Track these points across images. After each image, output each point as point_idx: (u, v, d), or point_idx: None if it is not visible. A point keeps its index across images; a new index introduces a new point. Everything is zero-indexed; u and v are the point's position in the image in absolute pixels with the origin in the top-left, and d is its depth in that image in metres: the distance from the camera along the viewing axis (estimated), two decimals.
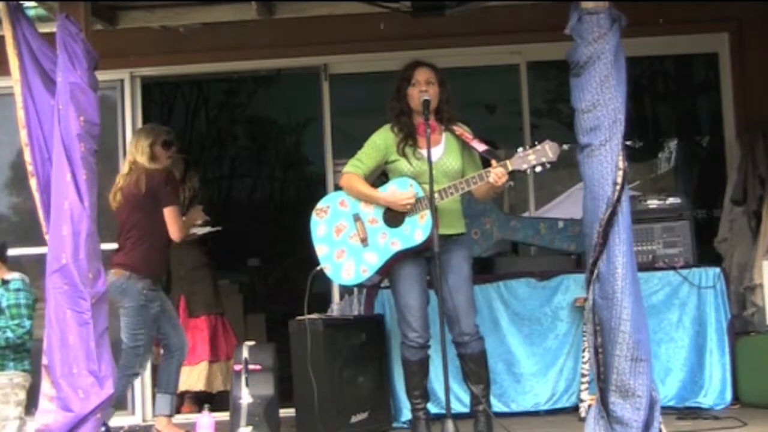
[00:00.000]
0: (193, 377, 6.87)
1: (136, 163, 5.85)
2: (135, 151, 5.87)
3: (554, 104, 8.58)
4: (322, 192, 7.24)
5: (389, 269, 5.16)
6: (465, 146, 5.16)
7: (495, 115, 8.50)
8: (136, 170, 5.82)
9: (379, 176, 5.32)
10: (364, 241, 5.13)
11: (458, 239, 5.18)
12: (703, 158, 8.55)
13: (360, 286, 5.76)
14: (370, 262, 5.11)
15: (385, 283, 5.82)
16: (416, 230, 5.02)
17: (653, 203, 6.28)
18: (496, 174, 4.88)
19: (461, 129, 5.17)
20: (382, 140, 5.20)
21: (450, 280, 5.03)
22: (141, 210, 5.76)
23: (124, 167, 6.01)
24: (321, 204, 5.28)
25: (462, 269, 5.11)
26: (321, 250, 5.21)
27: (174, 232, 5.77)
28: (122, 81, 6.94)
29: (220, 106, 11.25)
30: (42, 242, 4.93)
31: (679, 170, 9.01)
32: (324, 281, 5.63)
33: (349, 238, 5.17)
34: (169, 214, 5.75)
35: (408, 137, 5.13)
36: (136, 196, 5.75)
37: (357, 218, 5.17)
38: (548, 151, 4.86)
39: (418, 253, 5.07)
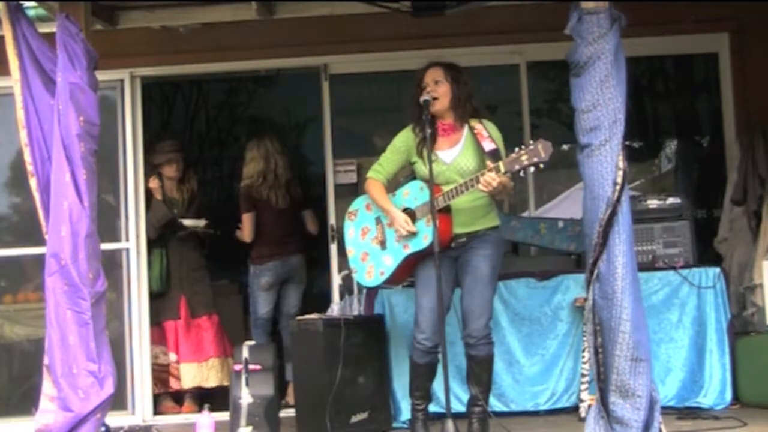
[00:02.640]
0: (203, 374, 6.92)
1: (288, 172, 7.10)
2: (287, 163, 7.09)
3: (554, 104, 8.55)
4: (322, 192, 7.25)
5: (412, 270, 5.16)
6: None
7: (495, 115, 8.47)
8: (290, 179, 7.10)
9: (411, 175, 5.32)
10: (382, 244, 5.18)
11: (484, 236, 5.08)
12: (703, 158, 8.52)
13: (379, 287, 5.75)
14: (387, 264, 5.17)
15: None
16: (424, 234, 5.02)
17: (653, 203, 6.28)
18: (485, 179, 4.81)
19: (480, 127, 5.10)
20: (402, 142, 5.22)
21: (466, 281, 5.02)
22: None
23: (285, 171, 7.06)
24: (352, 207, 5.42)
25: (479, 270, 5.04)
26: (350, 252, 5.35)
27: (315, 229, 7.21)
28: (122, 81, 6.92)
29: (220, 106, 11.22)
30: (42, 242, 4.93)
31: (679, 170, 8.98)
32: (325, 281, 5.64)
33: (371, 241, 5.24)
34: (311, 215, 7.19)
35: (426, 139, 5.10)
36: (295, 199, 7.10)
37: (378, 221, 5.24)
38: (540, 150, 4.74)
39: (442, 254, 4.95)
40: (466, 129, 5.13)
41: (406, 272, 5.22)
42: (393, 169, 5.24)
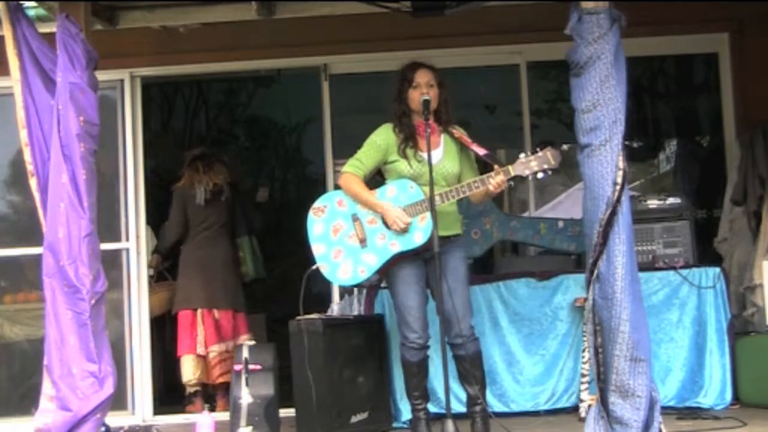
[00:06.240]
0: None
1: None
2: None
3: (554, 104, 8.58)
4: (322, 192, 7.22)
5: (387, 270, 5.16)
6: (462, 149, 5.18)
7: (495, 115, 8.50)
8: None
9: (375, 176, 5.30)
10: (362, 242, 5.11)
11: (455, 240, 5.19)
12: (703, 158, 8.54)
13: (358, 286, 5.76)
14: (369, 263, 5.10)
15: (385, 283, 5.82)
16: (416, 232, 5.01)
17: (653, 203, 6.28)
18: (497, 182, 4.91)
19: (459, 131, 5.18)
20: (383, 140, 5.19)
21: (448, 281, 5.03)
22: None
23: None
24: (318, 203, 5.25)
25: (459, 271, 5.11)
26: (318, 249, 5.17)
27: None
28: (122, 81, 6.93)
29: (220, 106, 11.24)
30: (42, 242, 4.92)
31: (679, 170, 9.00)
32: (324, 281, 5.62)
33: (347, 239, 5.15)
34: None
35: (409, 139, 5.13)
36: None
37: (355, 218, 5.15)
38: (550, 158, 4.92)
39: (417, 255, 5.07)
40: (443, 133, 5.18)
41: (384, 272, 5.20)
42: (372, 166, 5.18)
